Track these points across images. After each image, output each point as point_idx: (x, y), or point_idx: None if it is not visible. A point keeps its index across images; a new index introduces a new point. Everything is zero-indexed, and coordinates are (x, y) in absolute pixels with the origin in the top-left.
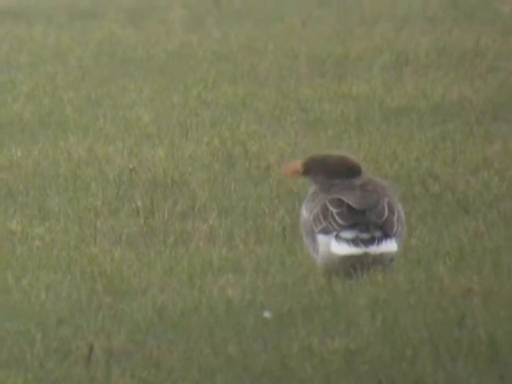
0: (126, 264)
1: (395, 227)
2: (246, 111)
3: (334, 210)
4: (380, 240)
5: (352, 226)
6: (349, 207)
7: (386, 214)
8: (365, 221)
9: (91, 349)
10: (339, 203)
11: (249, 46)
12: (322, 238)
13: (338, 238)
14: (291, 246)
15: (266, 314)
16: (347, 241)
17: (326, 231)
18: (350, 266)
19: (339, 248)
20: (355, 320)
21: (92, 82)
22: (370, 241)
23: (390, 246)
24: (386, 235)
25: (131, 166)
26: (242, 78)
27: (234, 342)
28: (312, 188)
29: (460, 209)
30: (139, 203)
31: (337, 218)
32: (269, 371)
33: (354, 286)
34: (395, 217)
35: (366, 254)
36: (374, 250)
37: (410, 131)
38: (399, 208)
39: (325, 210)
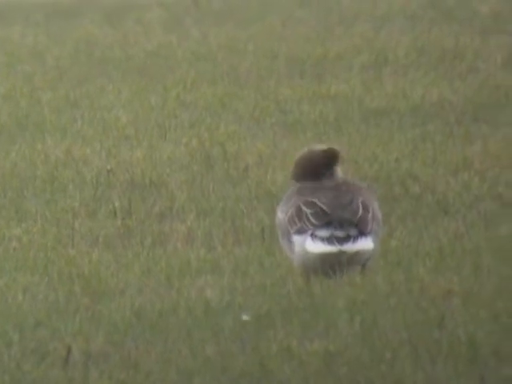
0: (104, 265)
1: (369, 225)
2: (225, 112)
3: (307, 211)
4: (355, 238)
5: (327, 225)
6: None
7: (360, 212)
8: (338, 219)
9: (69, 350)
10: (313, 205)
11: (228, 47)
12: (297, 238)
13: (313, 236)
14: (270, 247)
15: (245, 316)
16: (322, 239)
17: (300, 231)
18: (326, 265)
19: (314, 246)
20: (334, 322)
21: (70, 83)
22: (345, 239)
23: (365, 244)
24: (361, 233)
25: (109, 167)
26: (221, 78)
27: (212, 344)
28: (288, 190)
29: (440, 210)
30: (117, 204)
31: (311, 218)
32: (247, 373)
33: (332, 287)
34: (370, 215)
35: (342, 252)
36: (349, 247)
37: (389, 132)
38: (375, 207)
39: (299, 211)
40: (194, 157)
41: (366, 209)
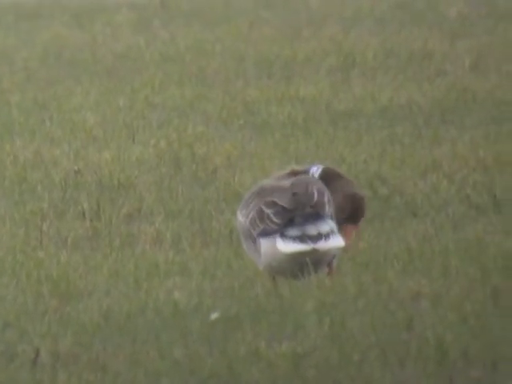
0: (72, 267)
1: (326, 207)
2: (193, 113)
3: (269, 211)
4: (327, 236)
5: (292, 222)
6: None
7: (316, 196)
8: (301, 213)
9: (37, 352)
10: (273, 204)
11: (196, 48)
12: (263, 240)
13: (283, 236)
14: (238, 249)
15: (213, 317)
16: (294, 238)
17: (266, 233)
18: (296, 265)
19: (286, 246)
20: (302, 324)
21: (38, 84)
22: (318, 237)
23: (337, 242)
24: (318, 214)
25: (77, 169)
26: (189, 80)
27: (180, 346)
28: (247, 193)
29: (408, 212)
30: (85, 206)
31: (273, 218)
32: (215, 375)
33: (301, 289)
34: (326, 199)
35: (315, 251)
36: (322, 245)
37: (357, 134)
38: (330, 197)
39: (261, 212)
40: (162, 158)
41: (321, 194)
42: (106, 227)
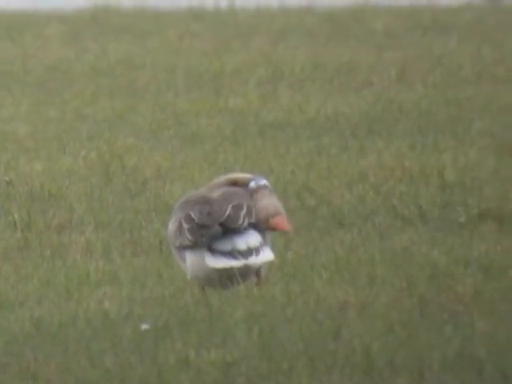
0: (3, 277)
1: (240, 220)
2: (123, 125)
3: (185, 226)
4: (257, 250)
5: (222, 237)
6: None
7: (227, 213)
8: (212, 231)
9: None
10: (190, 219)
11: (127, 61)
12: (188, 253)
13: (211, 250)
14: (168, 258)
15: (144, 325)
16: (223, 253)
17: (186, 246)
18: (225, 276)
19: (215, 261)
20: (232, 332)
21: None
22: (248, 252)
23: (268, 256)
24: (229, 229)
25: (8, 179)
26: (119, 92)
27: (111, 355)
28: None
29: (335, 222)
30: (16, 216)
31: (187, 233)
32: (146, 383)
33: (230, 298)
34: (243, 212)
35: (246, 266)
36: (253, 260)
37: (285, 145)
38: (253, 207)
39: (180, 226)
40: (92, 169)
41: (237, 208)
42: (36, 237)
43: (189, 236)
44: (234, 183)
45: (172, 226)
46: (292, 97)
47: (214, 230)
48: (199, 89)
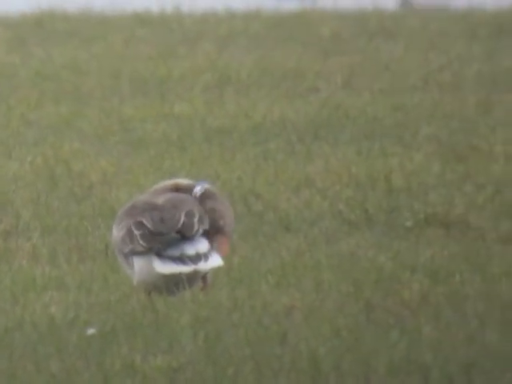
0: None
1: (195, 228)
2: (69, 130)
3: (136, 233)
4: (206, 256)
5: (170, 243)
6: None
7: (182, 221)
8: (166, 238)
9: None
10: (141, 225)
11: (72, 66)
12: (136, 258)
13: (160, 256)
14: (114, 264)
15: (90, 332)
16: (172, 258)
17: (135, 252)
18: (172, 281)
19: (164, 267)
20: (178, 337)
21: None
22: (197, 257)
23: (216, 261)
24: (185, 237)
25: None
26: (65, 97)
27: (57, 360)
28: (122, 207)
29: (282, 227)
30: None
31: (140, 240)
32: None
33: (176, 304)
34: (196, 219)
35: (195, 272)
36: (202, 266)
37: (231, 151)
38: (203, 215)
39: (130, 232)
40: (38, 175)
41: (190, 216)
42: None
43: (142, 242)
44: (178, 189)
45: (118, 232)
46: (238, 102)
47: (170, 236)
48: (145, 94)
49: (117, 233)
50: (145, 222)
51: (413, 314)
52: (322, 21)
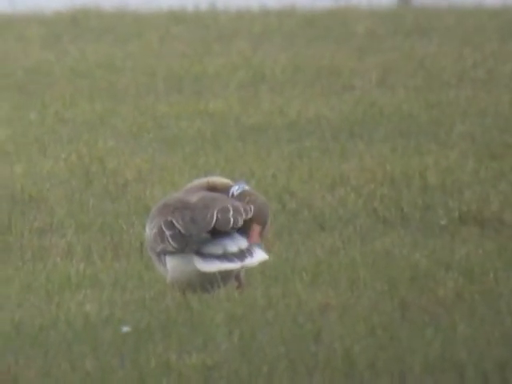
0: None
1: (231, 222)
2: (103, 128)
3: (167, 233)
4: (249, 251)
5: (210, 240)
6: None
7: (214, 221)
8: (196, 238)
9: None
10: (171, 226)
11: (106, 64)
12: (169, 257)
13: (201, 254)
14: (149, 261)
15: (125, 329)
16: (216, 256)
17: (167, 252)
18: (206, 279)
19: (208, 265)
20: (212, 336)
21: None
22: (241, 253)
23: (262, 256)
24: (222, 233)
25: None
26: (99, 95)
27: (91, 358)
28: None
29: (316, 225)
30: None
31: (170, 240)
32: None
33: (211, 302)
34: (230, 214)
35: (242, 268)
36: (249, 262)
37: (266, 148)
38: (241, 207)
39: (161, 231)
40: (73, 172)
41: (223, 212)
42: (17, 240)
43: (173, 243)
44: (214, 188)
45: (150, 230)
46: (273, 100)
47: (201, 237)
48: (179, 92)
49: (149, 231)
50: (175, 222)
51: (447, 312)
52: (357, 18)
